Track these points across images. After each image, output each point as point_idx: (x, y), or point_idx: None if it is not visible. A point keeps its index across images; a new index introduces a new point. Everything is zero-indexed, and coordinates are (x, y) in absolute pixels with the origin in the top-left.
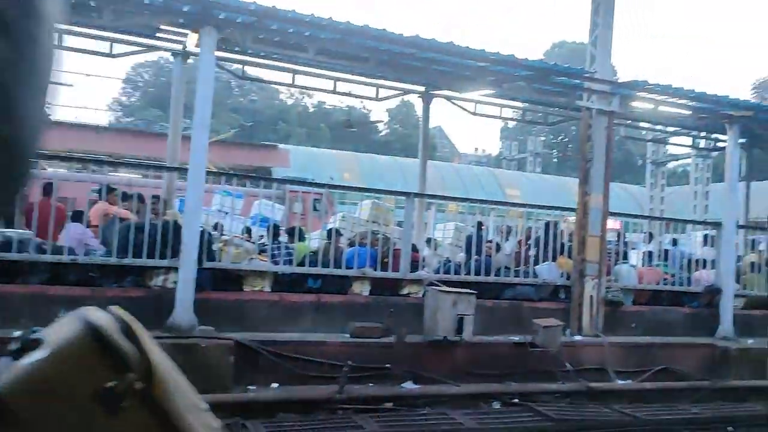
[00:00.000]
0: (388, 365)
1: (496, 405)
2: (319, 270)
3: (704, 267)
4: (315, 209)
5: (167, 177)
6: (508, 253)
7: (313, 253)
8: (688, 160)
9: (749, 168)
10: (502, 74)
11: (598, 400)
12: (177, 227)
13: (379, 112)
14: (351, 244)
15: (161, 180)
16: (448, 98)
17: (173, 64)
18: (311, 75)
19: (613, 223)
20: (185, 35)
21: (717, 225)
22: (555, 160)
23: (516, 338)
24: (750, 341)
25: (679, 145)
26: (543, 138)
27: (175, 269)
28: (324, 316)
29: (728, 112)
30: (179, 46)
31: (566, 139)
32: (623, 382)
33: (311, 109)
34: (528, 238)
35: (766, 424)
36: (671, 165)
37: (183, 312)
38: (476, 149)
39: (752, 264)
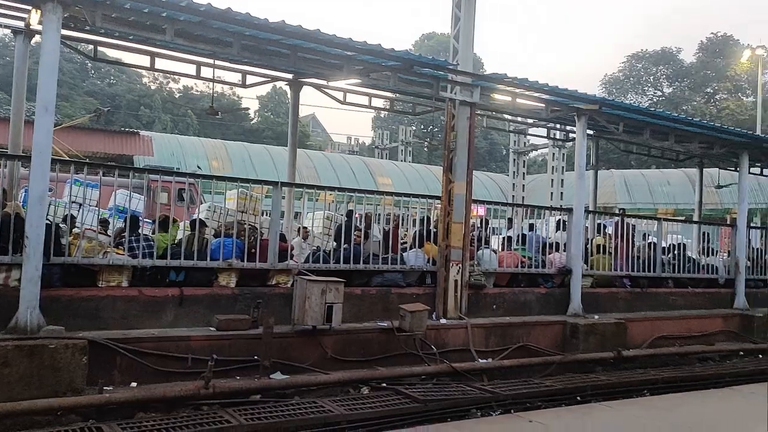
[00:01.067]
0: (256, 357)
1: (365, 390)
2: (181, 262)
3: (557, 250)
4: (181, 199)
5: (9, 166)
6: (377, 240)
7: (176, 244)
8: (546, 150)
9: (597, 157)
10: (369, 64)
11: (462, 379)
12: (20, 220)
13: (249, 99)
14: (217, 235)
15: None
16: (318, 86)
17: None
18: (173, 59)
19: (478, 210)
20: (27, 11)
21: (568, 211)
22: (426, 149)
23: (384, 324)
24: (596, 317)
25: (537, 135)
26: (413, 128)
27: (19, 266)
28: (188, 310)
29: (577, 105)
30: (21, 23)
31: (436, 129)
32: (485, 361)
33: (177, 95)
34: (397, 226)
35: (608, 393)
36: (532, 154)
37: (27, 311)
38: (349, 138)
39: (599, 246)
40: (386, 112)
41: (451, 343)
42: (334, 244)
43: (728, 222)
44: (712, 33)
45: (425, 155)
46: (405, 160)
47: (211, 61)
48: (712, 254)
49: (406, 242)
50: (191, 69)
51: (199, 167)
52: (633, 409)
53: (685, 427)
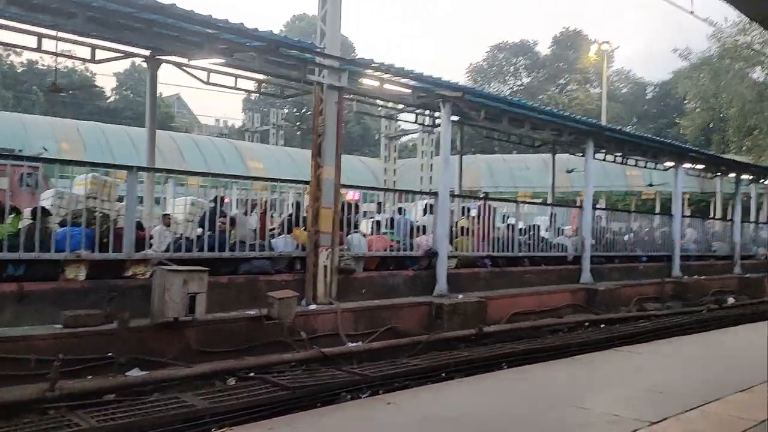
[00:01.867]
0: (110, 354)
1: (231, 381)
2: (21, 255)
3: (424, 233)
4: (26, 185)
5: None
6: (253, 228)
7: (13, 234)
8: (417, 135)
9: (463, 143)
10: (232, 43)
11: (333, 363)
12: None
13: (105, 77)
14: (63, 224)
15: None
16: (178, 65)
17: None
18: (8, 29)
19: (353, 195)
20: None
21: (434, 195)
22: (298, 133)
23: (252, 312)
24: (460, 296)
25: (406, 121)
26: (286, 111)
27: None
28: (30, 307)
29: (442, 93)
30: None
31: (309, 112)
32: (354, 344)
33: (20, 69)
34: (264, 212)
35: (470, 368)
36: (403, 139)
37: None
38: (218, 120)
39: (463, 228)
40: (257, 94)
41: (322, 329)
42: (200, 231)
43: (577, 204)
44: (564, 28)
45: (298, 139)
46: (277, 144)
47: (53, 32)
48: (562, 234)
49: (274, 228)
50: (32, 41)
51: (45, 149)
52: (486, 382)
53: (526, 396)
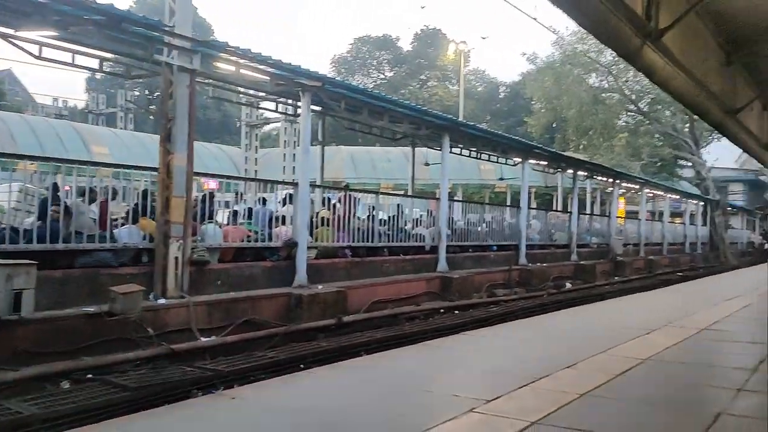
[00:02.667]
0: None
1: (66, 385)
2: None
3: (284, 223)
4: None
5: None
6: (94, 217)
7: None
8: (279, 124)
9: (324, 133)
10: (67, 15)
11: (183, 360)
12: None
13: None
14: None
15: None
16: (4, 36)
17: None
18: None
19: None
20: None
21: (294, 185)
22: (151, 117)
23: (91, 309)
24: (320, 287)
25: (267, 109)
26: (136, 92)
27: None
28: None
29: (301, 81)
30: None
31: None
32: (207, 339)
33: None
34: (105, 200)
35: (329, 358)
36: (266, 128)
37: None
38: (56, 100)
39: (323, 219)
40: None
41: (172, 324)
42: (29, 221)
43: (436, 196)
44: (425, 25)
45: (150, 123)
46: (126, 128)
47: None
48: (421, 225)
49: (117, 218)
50: None
51: None
52: (338, 371)
53: (375, 382)
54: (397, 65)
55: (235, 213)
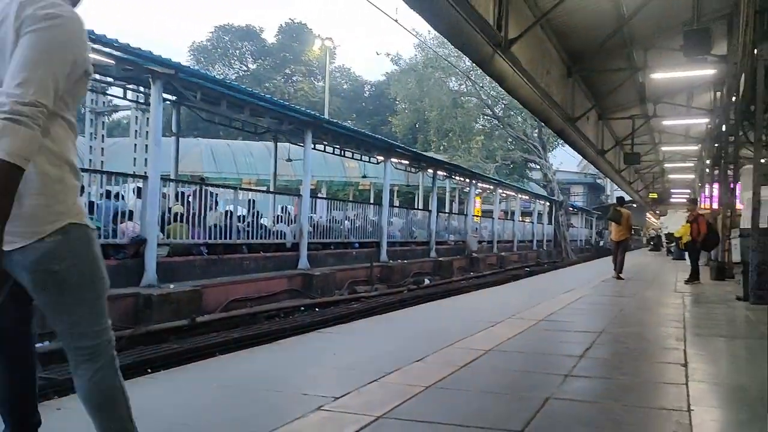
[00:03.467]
0: None
1: None
2: None
3: (131, 218)
4: None
5: None
6: None
7: None
8: (129, 112)
9: (179, 124)
10: None
11: None
12: None
13: None
14: None
15: None
16: None
17: None
18: None
19: None
20: None
21: (144, 178)
22: None
23: None
24: (172, 286)
25: (115, 96)
26: None
27: None
28: None
29: (151, 68)
30: None
31: None
32: (40, 345)
33: None
34: None
35: (181, 360)
36: (115, 116)
37: None
38: None
39: (177, 214)
40: None
41: None
42: None
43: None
44: (290, 18)
45: None
46: None
47: None
48: (281, 221)
49: None
50: None
51: None
52: (186, 373)
53: (224, 384)
54: (261, 57)
55: None
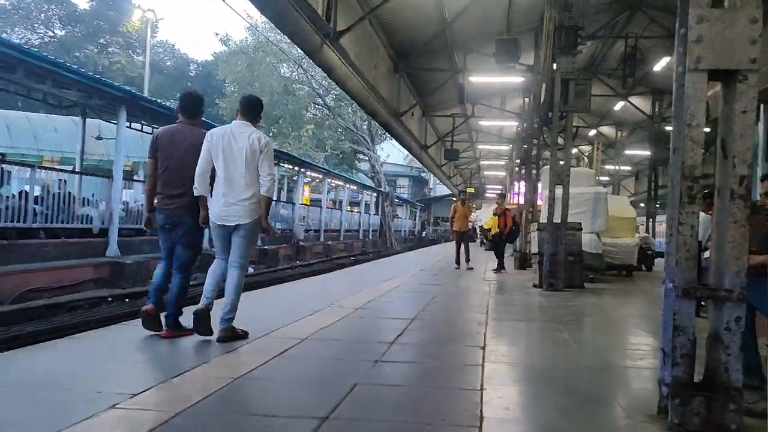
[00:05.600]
0: None
1: None
2: None
3: None
4: None
5: None
6: None
7: None
8: None
9: None
10: None
11: None
12: None
13: None
14: None
15: None
16: None
17: None
18: None
19: None
20: None
21: None
22: None
23: None
24: None
25: None
26: None
27: None
28: None
29: None
30: None
31: None
32: None
33: None
34: None
35: None
36: None
37: None
38: None
39: None
40: None
41: None
42: None
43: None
44: None
45: None
46: None
47: None
48: (89, 204)
49: None
50: None
51: None
52: None
53: (4, 384)
54: (71, 23)
55: None
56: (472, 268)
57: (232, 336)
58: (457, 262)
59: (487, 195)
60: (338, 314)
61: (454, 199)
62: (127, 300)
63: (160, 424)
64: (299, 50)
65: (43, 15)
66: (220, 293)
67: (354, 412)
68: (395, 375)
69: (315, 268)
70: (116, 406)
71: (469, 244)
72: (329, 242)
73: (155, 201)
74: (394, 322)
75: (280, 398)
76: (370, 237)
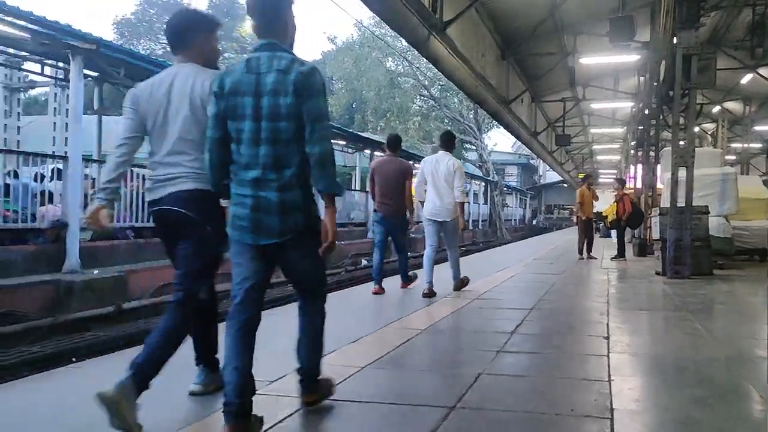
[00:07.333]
0: None
1: None
2: None
3: (51, 201)
4: None
5: None
6: None
7: None
8: (48, 89)
9: (102, 101)
10: None
11: None
12: None
13: None
14: None
15: None
16: None
17: None
18: None
19: None
20: None
21: (64, 158)
22: None
23: None
24: (95, 272)
25: (31, 71)
26: None
27: None
28: None
29: (71, 42)
30: None
31: None
32: None
33: None
34: None
35: (108, 348)
36: (33, 93)
37: None
38: None
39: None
40: None
41: None
42: None
43: None
44: None
45: None
46: None
47: None
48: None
49: None
50: None
51: None
52: (112, 362)
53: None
54: None
55: None
56: (595, 258)
57: (461, 285)
58: (581, 252)
59: (600, 180)
60: (455, 305)
61: (565, 185)
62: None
63: (297, 408)
64: (404, 43)
65: (164, 25)
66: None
67: (480, 402)
68: (518, 365)
69: (419, 261)
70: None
71: (593, 232)
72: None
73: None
74: (513, 312)
75: (406, 387)
76: (480, 227)
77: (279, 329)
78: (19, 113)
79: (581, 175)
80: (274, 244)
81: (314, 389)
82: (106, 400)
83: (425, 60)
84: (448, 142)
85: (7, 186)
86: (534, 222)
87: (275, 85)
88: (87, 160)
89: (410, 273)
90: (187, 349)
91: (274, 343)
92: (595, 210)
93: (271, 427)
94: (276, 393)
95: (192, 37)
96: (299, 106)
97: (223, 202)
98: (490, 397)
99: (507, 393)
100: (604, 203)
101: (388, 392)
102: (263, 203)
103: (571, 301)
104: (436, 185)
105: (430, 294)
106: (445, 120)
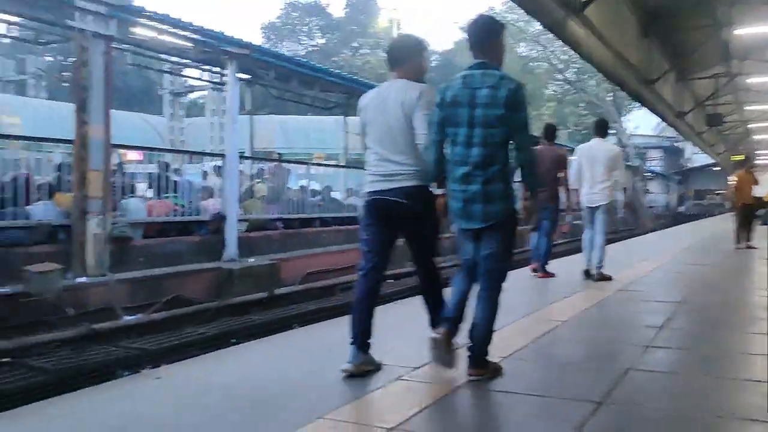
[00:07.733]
0: None
1: None
2: None
3: (212, 196)
4: None
5: None
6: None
7: None
8: (205, 93)
9: (253, 102)
10: None
11: (106, 340)
12: None
13: None
14: None
15: None
16: None
17: None
18: None
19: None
20: None
21: (222, 156)
22: (66, 84)
23: (5, 290)
24: (251, 260)
25: (192, 77)
26: (50, 58)
27: None
28: None
29: (227, 49)
30: None
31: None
32: (131, 317)
33: None
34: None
35: (262, 332)
36: (191, 96)
37: None
38: None
39: (251, 188)
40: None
41: (93, 303)
42: None
43: None
44: None
45: (64, 91)
46: (38, 96)
47: None
48: (355, 195)
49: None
50: None
51: None
52: (267, 345)
53: (307, 354)
54: (329, 32)
55: (160, 186)
56: (755, 248)
57: (602, 277)
58: (738, 241)
59: (756, 162)
60: (597, 296)
61: (714, 169)
62: (392, 280)
63: (441, 397)
64: (537, 27)
65: (306, 27)
66: None
67: (629, 398)
68: (669, 361)
69: (561, 249)
70: (401, 377)
71: (753, 219)
72: (576, 221)
73: None
74: (660, 305)
75: (550, 380)
76: (621, 214)
77: (418, 318)
78: (181, 116)
79: (735, 158)
80: (482, 227)
81: (483, 365)
82: (436, 342)
83: (559, 43)
84: (601, 129)
85: (174, 183)
86: (680, 208)
87: (487, 99)
88: (241, 157)
89: (548, 268)
90: None
91: (414, 331)
92: (755, 195)
93: (420, 411)
94: (422, 380)
95: (408, 57)
96: (508, 117)
97: (438, 191)
98: (641, 394)
99: (658, 391)
100: (764, 187)
101: (533, 383)
102: (470, 195)
103: (727, 295)
104: (592, 172)
105: (588, 275)
106: (580, 104)
